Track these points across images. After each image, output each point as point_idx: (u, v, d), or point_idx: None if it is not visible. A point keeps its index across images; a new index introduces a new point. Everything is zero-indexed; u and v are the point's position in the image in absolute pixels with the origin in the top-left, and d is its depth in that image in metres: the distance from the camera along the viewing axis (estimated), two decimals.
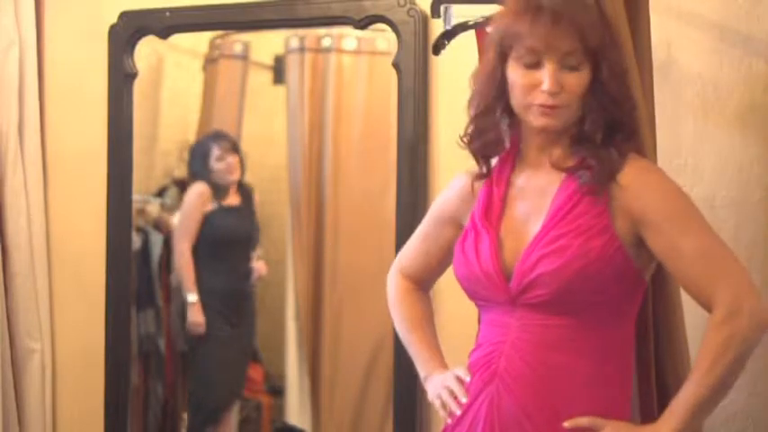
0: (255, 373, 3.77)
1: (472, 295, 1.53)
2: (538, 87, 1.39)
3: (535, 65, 1.39)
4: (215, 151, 3.31)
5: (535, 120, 1.42)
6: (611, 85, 1.39)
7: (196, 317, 3.21)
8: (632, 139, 1.43)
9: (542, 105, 1.39)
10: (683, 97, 2.08)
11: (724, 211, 2.06)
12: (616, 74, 1.40)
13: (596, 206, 1.40)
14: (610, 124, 1.41)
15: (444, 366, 1.59)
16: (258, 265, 3.46)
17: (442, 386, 1.54)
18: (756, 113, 2.05)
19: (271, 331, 3.73)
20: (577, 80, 1.39)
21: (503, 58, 1.43)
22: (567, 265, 1.37)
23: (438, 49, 2.19)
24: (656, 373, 1.55)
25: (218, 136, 3.36)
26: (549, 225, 1.41)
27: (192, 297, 3.21)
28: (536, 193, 1.47)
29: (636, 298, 1.45)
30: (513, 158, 1.52)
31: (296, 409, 3.44)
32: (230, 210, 3.32)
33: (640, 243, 1.40)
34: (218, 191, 3.30)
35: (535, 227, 1.43)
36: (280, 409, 3.62)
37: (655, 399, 1.54)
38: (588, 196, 1.40)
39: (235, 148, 3.36)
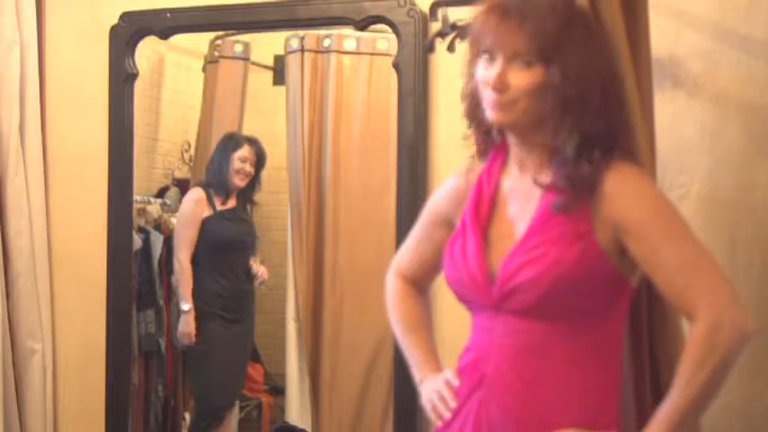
0: (256, 372, 3.78)
1: (460, 298, 1.53)
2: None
3: (491, 62, 1.41)
4: (244, 151, 3.31)
5: (489, 116, 1.43)
6: (567, 88, 1.36)
7: (187, 327, 3.21)
8: (612, 150, 1.40)
9: (491, 101, 1.41)
10: (681, 98, 2.09)
11: (723, 211, 2.06)
12: (571, 76, 1.36)
13: (577, 211, 1.39)
14: (586, 136, 1.39)
15: (439, 370, 1.59)
16: (261, 270, 3.46)
17: (432, 390, 1.54)
18: (755, 114, 2.05)
19: (271, 331, 3.74)
20: (526, 78, 1.37)
21: (475, 59, 1.45)
22: (546, 272, 1.36)
23: (432, 47, 2.20)
24: (653, 376, 1.55)
25: (254, 141, 3.36)
26: (531, 232, 1.41)
27: (186, 306, 3.20)
28: (523, 196, 1.46)
29: (621, 302, 1.44)
30: (503, 159, 1.52)
31: (296, 408, 3.45)
32: (226, 214, 3.31)
33: (624, 249, 1.39)
34: (221, 192, 3.29)
35: (520, 231, 1.43)
36: (280, 409, 3.63)
37: (650, 402, 1.53)
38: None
39: (260, 160, 3.36)
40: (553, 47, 1.36)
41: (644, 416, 1.48)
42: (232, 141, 3.32)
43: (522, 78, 1.37)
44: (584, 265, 1.36)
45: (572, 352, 1.40)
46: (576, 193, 1.38)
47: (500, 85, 1.38)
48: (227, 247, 3.33)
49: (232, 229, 3.33)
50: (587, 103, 1.37)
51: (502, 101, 1.39)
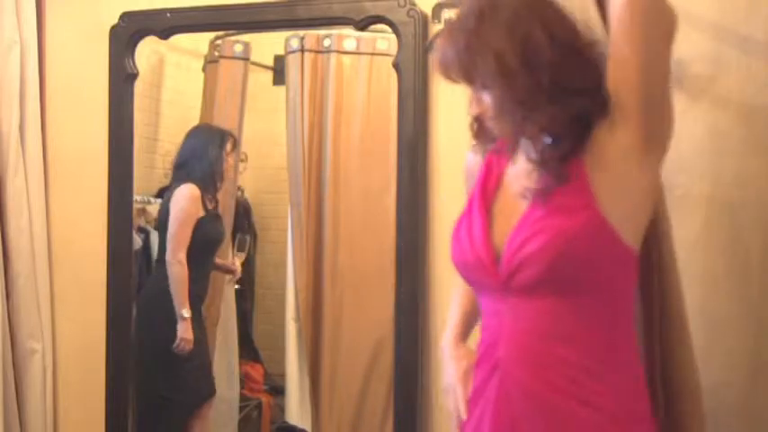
0: (255, 372, 3.78)
1: (468, 282, 1.55)
2: None
3: None
4: (228, 146, 3.26)
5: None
6: (500, 85, 1.41)
7: (188, 333, 3.12)
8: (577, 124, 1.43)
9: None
10: (682, 98, 2.09)
11: (723, 210, 2.06)
12: (490, 85, 1.42)
13: (577, 181, 1.40)
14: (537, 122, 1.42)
15: (459, 336, 1.67)
16: (238, 268, 3.44)
17: (449, 391, 1.59)
18: (756, 114, 2.06)
19: (271, 331, 3.73)
20: (489, 98, 1.44)
21: None
22: (550, 244, 1.36)
23: (432, 47, 2.21)
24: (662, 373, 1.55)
25: (230, 133, 3.30)
26: (533, 206, 1.42)
27: (188, 312, 3.10)
28: (525, 176, 1.48)
29: (628, 275, 1.44)
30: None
31: (296, 408, 3.45)
32: (214, 213, 3.26)
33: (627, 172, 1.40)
34: (212, 189, 3.23)
35: (523, 209, 1.45)
36: (280, 409, 3.63)
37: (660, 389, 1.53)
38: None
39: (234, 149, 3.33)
40: (468, 67, 1.42)
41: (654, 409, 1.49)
42: (222, 135, 3.27)
43: (486, 98, 1.45)
44: (588, 234, 1.37)
45: (582, 331, 1.40)
46: (550, 177, 1.41)
47: (475, 111, 1.48)
48: (213, 247, 3.29)
49: (219, 229, 3.30)
50: (518, 88, 1.40)
51: (489, 122, 1.48)
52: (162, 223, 3.22)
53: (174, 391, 3.22)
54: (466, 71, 1.42)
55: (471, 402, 1.51)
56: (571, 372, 1.39)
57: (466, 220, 1.52)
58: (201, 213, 3.20)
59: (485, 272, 1.46)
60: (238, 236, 3.58)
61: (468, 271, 1.51)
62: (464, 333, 1.68)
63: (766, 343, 2.01)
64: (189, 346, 3.13)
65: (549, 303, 1.40)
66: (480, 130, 1.55)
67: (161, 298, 3.16)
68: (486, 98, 1.44)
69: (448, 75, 1.46)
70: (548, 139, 1.42)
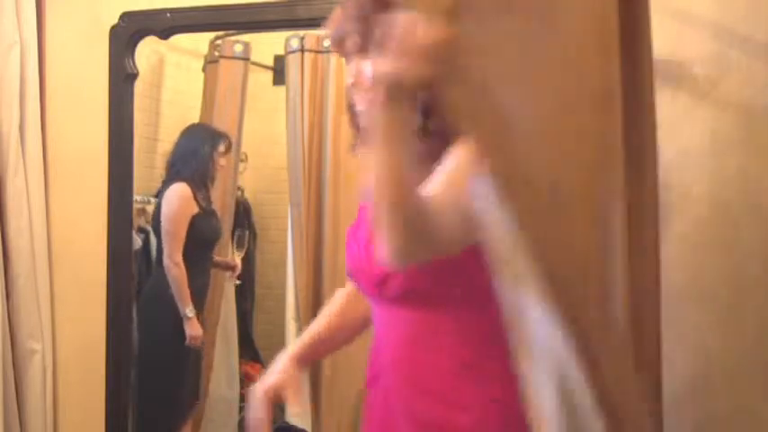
0: (255, 372, 3.78)
1: (359, 289, 1.55)
2: None
3: None
4: (221, 147, 3.29)
5: None
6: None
7: (195, 330, 3.17)
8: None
9: None
10: (683, 99, 2.09)
11: (724, 211, 2.06)
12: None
13: None
14: None
15: (296, 356, 1.67)
16: (238, 265, 3.46)
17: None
18: (756, 115, 2.06)
19: (271, 331, 3.74)
20: None
21: None
22: None
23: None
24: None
25: (225, 135, 3.33)
26: None
27: (192, 312, 3.15)
28: None
29: (491, 281, 1.39)
30: None
31: (296, 408, 3.45)
32: (209, 210, 3.28)
33: None
34: (203, 188, 3.25)
35: None
36: (280, 409, 3.62)
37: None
38: None
39: (227, 151, 3.35)
40: (365, 33, 1.38)
41: None
42: (216, 135, 3.29)
43: None
44: None
45: (453, 337, 1.39)
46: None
47: (351, 83, 1.50)
48: (210, 244, 3.31)
49: (216, 226, 3.32)
50: None
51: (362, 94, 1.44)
52: (158, 223, 3.24)
53: (172, 390, 3.24)
54: (363, 37, 1.39)
55: (366, 410, 1.54)
56: (441, 377, 1.39)
57: (358, 227, 1.52)
58: (195, 210, 3.21)
59: (366, 280, 1.46)
60: (237, 232, 3.60)
61: (355, 279, 1.52)
62: (304, 355, 1.68)
63: (766, 344, 2.02)
64: (199, 342, 3.17)
65: (418, 313, 1.40)
66: (353, 120, 1.51)
67: (161, 298, 3.18)
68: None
69: (341, 46, 1.45)
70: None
